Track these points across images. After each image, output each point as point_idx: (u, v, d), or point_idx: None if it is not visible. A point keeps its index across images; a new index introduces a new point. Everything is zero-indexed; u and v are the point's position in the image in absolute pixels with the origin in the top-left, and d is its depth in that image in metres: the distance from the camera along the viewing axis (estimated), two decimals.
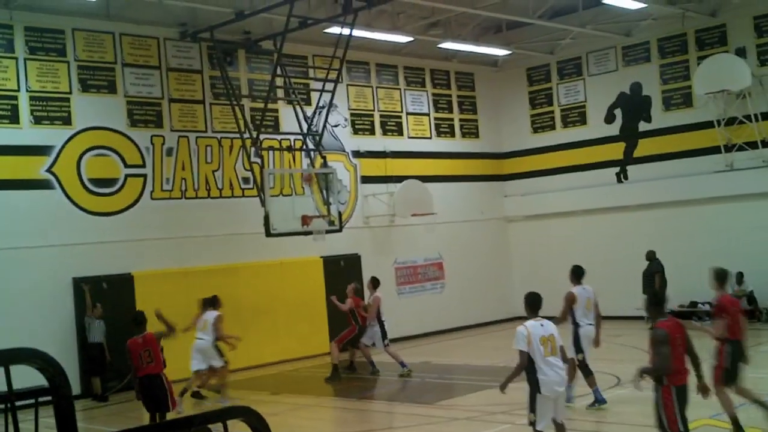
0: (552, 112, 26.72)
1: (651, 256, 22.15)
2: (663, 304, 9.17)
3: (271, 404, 15.62)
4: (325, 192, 20.31)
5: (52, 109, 18.20)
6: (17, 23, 17.82)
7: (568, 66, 26.26)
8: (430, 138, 25.79)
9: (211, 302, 16.60)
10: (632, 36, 24.59)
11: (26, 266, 17.44)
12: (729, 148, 22.54)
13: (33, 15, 18.04)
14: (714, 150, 22.76)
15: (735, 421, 10.72)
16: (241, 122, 19.72)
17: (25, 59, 17.89)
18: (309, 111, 21.28)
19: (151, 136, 19.61)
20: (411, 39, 23.16)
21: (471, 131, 27.11)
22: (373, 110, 24.37)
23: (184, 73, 20.37)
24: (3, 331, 15.83)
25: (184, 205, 19.95)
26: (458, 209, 25.88)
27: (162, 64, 19.98)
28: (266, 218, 18.45)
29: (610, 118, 25.34)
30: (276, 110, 21.75)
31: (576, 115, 26.19)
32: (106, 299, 17.85)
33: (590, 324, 13.22)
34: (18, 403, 4.02)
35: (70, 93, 18.49)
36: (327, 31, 20.92)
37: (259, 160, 19.96)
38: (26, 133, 17.83)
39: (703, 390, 9.13)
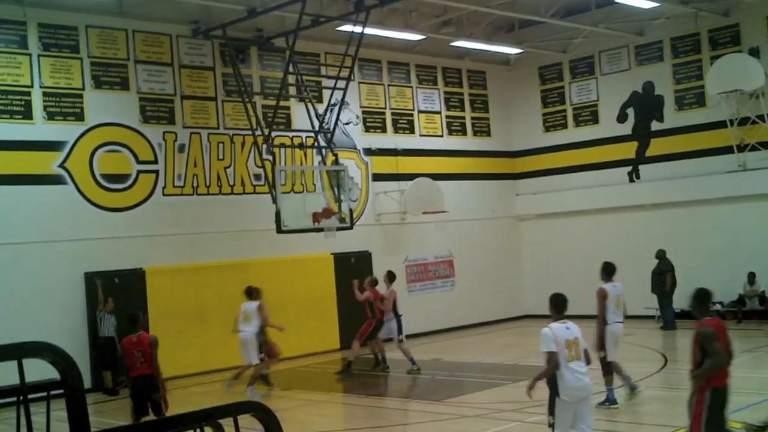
0: (564, 110, 26.68)
1: (661, 254, 22.11)
2: (709, 302, 8.81)
3: (281, 400, 15.69)
4: (336, 189, 20.35)
5: (65, 105, 18.29)
6: (31, 20, 17.91)
7: (580, 65, 26.21)
8: (442, 136, 25.80)
9: (248, 293, 16.77)
10: (645, 35, 24.52)
11: (38, 261, 17.55)
12: (742, 148, 22.47)
13: (46, 12, 18.13)
14: (727, 150, 22.68)
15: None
16: (253, 119, 19.76)
17: (38, 55, 17.99)
18: (321, 108, 21.33)
19: (164, 133, 19.69)
20: (423, 37, 23.17)
21: (483, 129, 27.10)
22: (385, 108, 24.39)
23: (197, 70, 20.44)
24: (15, 325, 15.95)
25: (195, 201, 20.03)
26: (469, 207, 25.87)
27: (174, 61, 20.05)
28: (277, 215, 18.50)
29: (622, 118, 25.29)
30: (288, 107, 21.80)
31: (588, 114, 26.14)
32: (117, 294, 17.94)
33: (619, 322, 13.21)
34: (30, 396, 4.06)
35: (83, 89, 18.58)
36: (339, 28, 20.95)
37: (270, 157, 20.01)
38: (39, 128, 17.92)
39: None
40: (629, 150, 25.06)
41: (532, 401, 13.45)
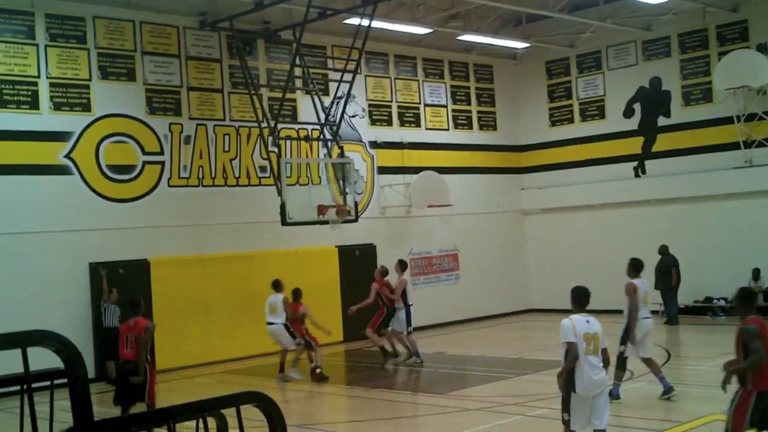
0: (571, 105, 26.65)
1: (664, 250, 22.09)
2: (754, 301, 8.48)
3: (283, 391, 15.73)
4: (341, 182, 20.37)
5: (71, 96, 18.32)
6: (38, 10, 17.93)
7: (587, 60, 26.17)
8: (448, 130, 25.78)
9: (274, 286, 16.99)
10: (652, 30, 24.47)
11: (43, 251, 17.59)
12: (748, 144, 22.43)
13: (54, 2, 18.15)
14: (733, 146, 22.65)
15: None
16: (259, 111, 19.77)
17: (45, 46, 18.01)
18: (327, 101, 21.32)
19: (170, 124, 19.72)
20: (430, 31, 23.15)
21: (489, 123, 27.08)
22: (391, 101, 24.38)
23: (203, 61, 20.45)
24: (20, 314, 16.03)
25: (201, 192, 20.06)
26: (474, 201, 25.87)
27: (181, 52, 20.06)
28: (282, 207, 18.52)
29: (629, 113, 25.25)
30: (294, 100, 21.80)
31: (595, 109, 26.11)
32: (122, 285, 17.97)
33: (647, 317, 13.17)
34: (34, 385, 4.08)
35: (90, 80, 18.60)
36: (346, 21, 20.94)
37: (276, 150, 20.01)
38: (46, 119, 17.95)
39: None
40: (635, 145, 25.03)
41: (535, 395, 13.55)
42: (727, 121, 22.71)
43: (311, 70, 21.35)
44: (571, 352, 8.57)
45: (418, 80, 25.11)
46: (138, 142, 19.19)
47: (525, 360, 18.00)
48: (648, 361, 13.16)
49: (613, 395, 12.84)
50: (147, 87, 19.44)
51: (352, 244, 22.27)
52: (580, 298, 9.03)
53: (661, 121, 24.60)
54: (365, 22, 19.50)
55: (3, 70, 17.45)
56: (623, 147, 25.21)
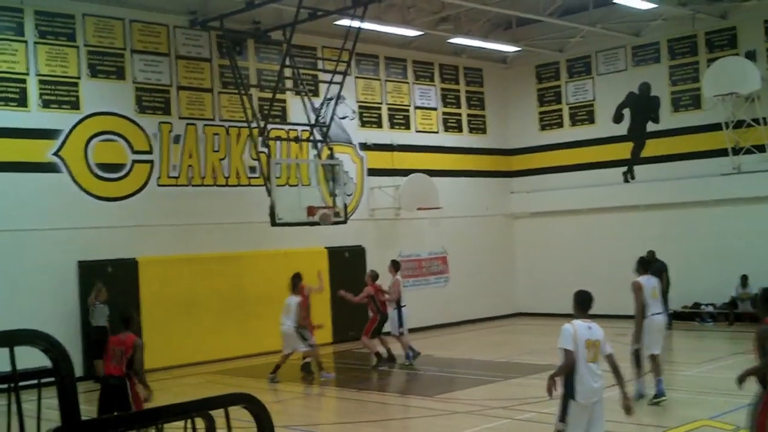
0: (560, 110, 26.69)
1: (651, 256, 22.09)
2: None
3: (272, 392, 15.69)
4: (331, 183, 20.36)
5: (60, 94, 18.25)
6: (27, 7, 17.85)
7: (577, 64, 26.23)
8: (438, 132, 25.79)
9: (292, 285, 17.07)
10: (642, 36, 24.54)
11: (31, 249, 17.51)
12: (737, 151, 22.51)
13: None
14: (722, 152, 22.72)
15: None
16: (249, 112, 19.74)
17: (34, 43, 17.93)
18: (317, 102, 21.29)
19: (159, 123, 19.66)
20: (421, 33, 23.16)
21: (479, 127, 27.11)
22: (381, 103, 24.37)
23: (193, 61, 20.40)
24: (8, 313, 15.92)
25: (190, 192, 20.00)
26: (464, 204, 25.89)
27: (171, 51, 20.01)
28: (272, 208, 18.51)
29: (618, 118, 25.31)
30: (284, 101, 21.77)
31: (584, 114, 26.17)
32: (110, 283, 17.91)
33: (658, 313, 13.17)
34: (21, 384, 4.05)
35: (79, 78, 18.53)
36: (337, 23, 20.92)
37: (266, 150, 19.97)
38: (34, 116, 17.87)
39: None
40: (624, 150, 25.09)
41: (522, 399, 13.55)
42: (716, 127, 22.78)
43: (301, 71, 21.32)
44: (567, 360, 8.25)
45: (408, 83, 25.11)
46: (127, 141, 19.13)
47: (513, 363, 18.00)
48: (654, 359, 13.07)
49: (638, 394, 12.75)
50: (136, 85, 19.38)
51: (341, 245, 22.24)
52: (583, 303, 8.71)
53: (650, 126, 24.66)
54: (356, 24, 19.48)
55: None
56: (612, 152, 25.27)
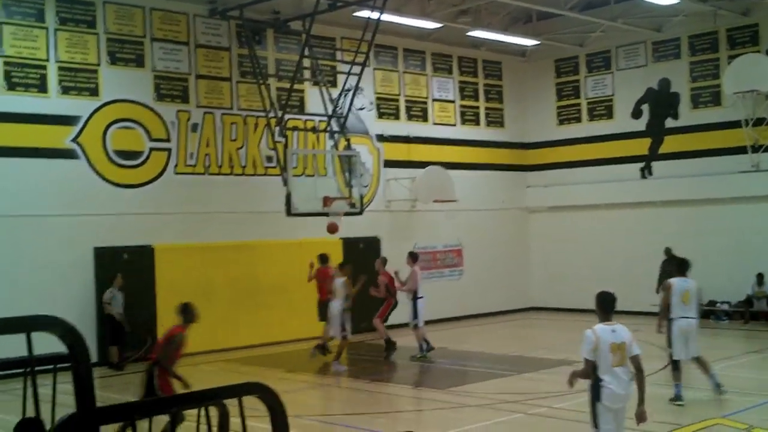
0: (579, 104, 26.60)
1: (668, 252, 22.00)
2: None
3: (285, 382, 15.72)
4: (347, 174, 20.36)
5: (80, 80, 18.32)
6: None
7: (596, 59, 26.12)
8: (455, 125, 25.75)
9: (340, 266, 17.56)
10: (663, 32, 24.39)
11: (49, 234, 17.61)
12: (756, 149, 22.36)
13: None
14: (740, 150, 22.58)
15: None
16: (267, 101, 19.76)
17: (55, 29, 18.00)
18: (335, 93, 21.28)
19: (177, 111, 19.71)
20: (440, 25, 23.10)
21: (496, 120, 27.05)
22: (399, 95, 24.35)
23: (212, 50, 20.44)
24: (25, 298, 16.05)
25: (207, 180, 20.06)
26: (480, 197, 25.85)
27: (190, 40, 20.04)
28: (288, 198, 18.54)
29: (637, 114, 25.19)
30: (302, 91, 21.79)
31: (603, 109, 26.06)
32: (126, 270, 18.01)
33: (685, 317, 12.94)
34: (38, 368, 4.08)
35: (99, 65, 18.60)
36: (356, 14, 20.89)
37: (283, 140, 19.99)
38: (54, 102, 17.96)
39: None
40: (643, 146, 24.97)
41: (535, 394, 13.53)
42: (735, 125, 22.63)
43: (320, 62, 21.32)
44: (586, 368, 8.10)
45: (426, 75, 25.07)
46: (145, 129, 19.20)
47: (526, 358, 17.99)
48: (675, 365, 12.95)
49: (675, 397, 12.67)
50: (155, 73, 19.44)
51: (356, 236, 22.25)
52: (605, 304, 8.40)
53: (669, 123, 24.53)
54: (375, 15, 19.45)
55: (12, 52, 17.45)
56: (630, 148, 25.14)
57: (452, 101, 25.74)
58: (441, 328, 22.92)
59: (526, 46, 26.36)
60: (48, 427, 4.32)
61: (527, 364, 16.96)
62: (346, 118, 20.92)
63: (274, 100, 20.25)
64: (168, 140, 19.52)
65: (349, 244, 22.15)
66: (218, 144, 20.31)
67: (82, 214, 18.08)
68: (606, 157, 25.62)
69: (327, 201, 19.11)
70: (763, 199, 22.28)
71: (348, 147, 20.67)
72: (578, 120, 26.61)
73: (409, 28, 23.14)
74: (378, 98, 23.78)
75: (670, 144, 24.41)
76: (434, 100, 25.25)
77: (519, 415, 12.53)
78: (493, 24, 24.03)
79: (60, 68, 18.02)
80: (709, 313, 22.82)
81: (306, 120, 21.70)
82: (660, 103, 24.69)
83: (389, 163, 23.81)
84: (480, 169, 26.11)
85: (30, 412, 4.31)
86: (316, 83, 21.41)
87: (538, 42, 25.36)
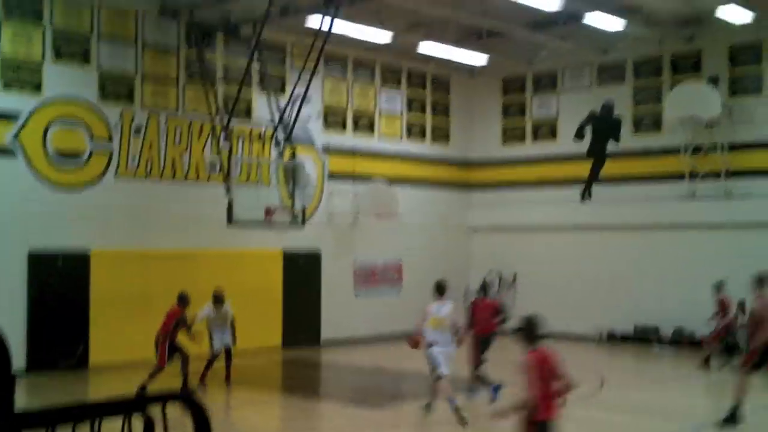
0: (523, 124, 26.85)
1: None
2: None
3: (220, 396, 15.59)
4: (291, 185, 20.26)
5: (23, 75, 17.98)
6: None
7: (543, 79, 26.40)
8: (401, 139, 25.82)
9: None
10: (609, 55, 24.73)
11: None
12: (693, 176, 22.72)
13: None
14: (679, 177, 22.94)
15: None
16: (213, 106, 19.60)
17: (0, 21, 17.65)
18: (282, 101, 21.18)
19: (121, 111, 19.40)
20: (391, 38, 23.13)
21: (442, 136, 27.18)
22: (347, 106, 24.35)
23: (160, 50, 20.22)
24: None
25: (148, 185, 19.76)
26: (422, 214, 25.90)
27: (138, 39, 19.80)
28: (229, 206, 18.38)
29: (579, 135, 25.47)
30: (249, 97, 21.66)
31: (547, 130, 26.33)
32: (59, 276, 17.71)
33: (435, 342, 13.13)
34: None
35: (43, 60, 18.28)
36: (308, 22, 20.83)
37: (227, 147, 19.82)
38: None
39: None
40: (584, 169, 25.22)
41: (471, 413, 13.52)
42: (675, 151, 23.00)
43: (269, 68, 21.22)
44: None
45: (375, 87, 25.12)
46: (87, 128, 18.86)
47: (462, 378, 18.00)
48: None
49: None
50: (101, 72, 19.15)
51: (297, 248, 22.14)
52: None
53: (611, 146, 24.82)
54: (327, 24, 19.41)
55: None
56: (573, 170, 25.37)
57: (399, 115, 25.81)
58: (379, 345, 22.89)
59: (475, 63, 26.51)
60: None
61: (463, 384, 16.96)
62: (292, 127, 20.83)
63: (221, 106, 20.10)
64: (110, 141, 19.21)
65: (289, 256, 22.04)
66: (162, 148, 20.06)
67: (17, 214, 17.66)
68: (548, 178, 25.85)
69: (269, 212, 19.00)
70: (698, 227, 22.60)
71: (293, 157, 20.58)
72: (522, 140, 26.83)
73: (360, 39, 23.14)
74: (326, 108, 23.74)
75: (610, 168, 24.70)
76: (381, 113, 25.29)
77: None
78: (444, 39, 24.12)
79: (3, 62, 17.65)
80: (645, 338, 22.95)
81: (252, 127, 21.57)
82: (603, 126, 25.00)
83: (333, 176, 23.73)
84: (424, 184, 26.19)
85: None
86: (263, 90, 21.30)
87: (487, 59, 25.53)
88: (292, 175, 20.36)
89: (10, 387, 3.69)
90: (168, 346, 15.40)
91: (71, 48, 18.71)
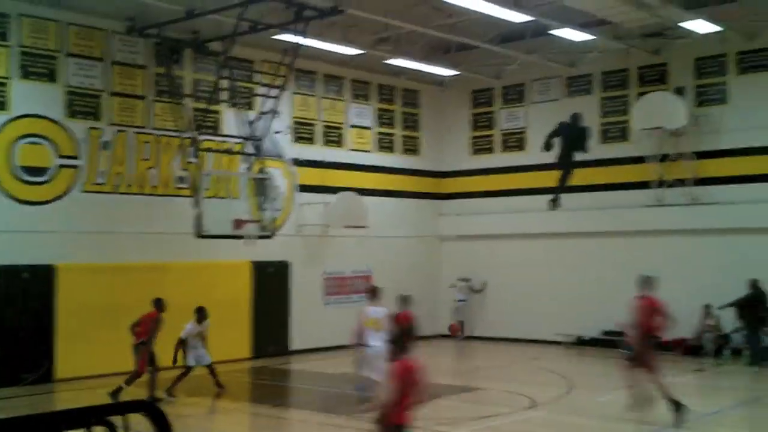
0: (492, 135, 27.05)
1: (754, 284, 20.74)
2: None
3: (187, 406, 15.54)
4: (260, 197, 20.29)
5: None
6: None
7: (511, 92, 26.62)
8: (371, 152, 25.91)
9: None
10: (576, 67, 25.00)
11: None
12: (660, 184, 23.04)
13: None
14: (646, 185, 23.26)
15: None
16: (182, 121, 19.60)
17: None
18: (251, 116, 21.21)
19: (89, 128, 19.39)
20: (360, 52, 23.25)
21: (412, 148, 27.31)
22: (316, 120, 24.41)
23: (128, 67, 20.21)
24: None
25: (116, 200, 19.72)
26: (392, 224, 26.01)
27: (106, 56, 19.79)
28: (198, 219, 18.39)
29: (548, 146, 25.72)
30: (218, 112, 21.67)
31: (515, 141, 26.54)
32: (24, 289, 17.60)
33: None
34: None
35: (9, 78, 18.22)
36: (276, 37, 20.90)
37: (196, 161, 19.82)
38: None
39: None
40: (553, 178, 25.48)
41: (436, 419, 13.62)
42: (642, 160, 23.33)
43: (238, 84, 21.25)
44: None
45: (344, 101, 25.21)
46: (54, 145, 18.81)
47: (430, 385, 18.04)
48: None
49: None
50: (68, 89, 19.12)
51: (267, 260, 22.14)
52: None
53: (579, 156, 25.10)
54: (296, 39, 19.49)
55: None
56: (541, 179, 25.64)
57: (369, 128, 25.91)
58: (348, 353, 22.88)
59: (444, 76, 26.71)
60: None
61: (431, 391, 17.01)
62: (261, 141, 20.86)
63: (190, 121, 20.10)
64: (77, 158, 19.17)
65: (258, 267, 22.05)
66: (130, 163, 20.03)
67: None
68: (518, 188, 26.08)
69: (238, 224, 19.02)
70: (666, 233, 22.92)
71: (262, 170, 20.61)
72: (491, 151, 27.03)
73: (329, 53, 23.24)
74: (295, 122, 23.79)
75: (579, 177, 24.96)
76: (351, 126, 25.38)
77: None
78: (413, 53, 24.30)
79: None
80: (608, 342, 23.14)
81: (221, 141, 21.57)
82: (571, 136, 25.26)
83: (303, 188, 23.77)
84: (394, 196, 26.30)
85: None
86: (233, 105, 21.32)
87: (456, 72, 25.72)
88: (261, 187, 20.38)
89: None
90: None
91: (38, 66, 18.66)
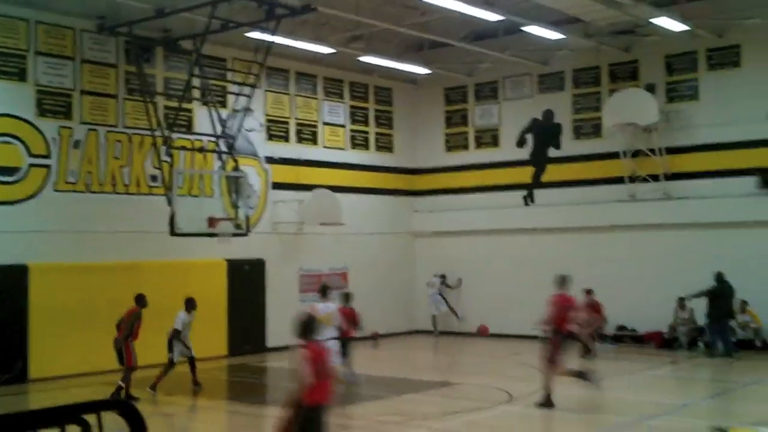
0: (466, 132, 27.13)
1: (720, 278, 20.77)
2: None
3: (164, 405, 15.50)
4: (234, 195, 20.25)
5: None
6: None
7: (484, 89, 26.72)
8: (345, 149, 25.92)
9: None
10: (548, 65, 25.15)
11: None
12: (633, 179, 23.22)
13: None
14: (619, 180, 23.44)
15: None
16: (154, 120, 19.50)
17: None
18: (224, 113, 21.14)
19: (59, 127, 19.24)
20: (333, 50, 23.23)
21: (386, 145, 27.34)
22: (290, 118, 24.38)
23: (99, 66, 20.07)
24: None
25: (88, 199, 19.59)
26: (367, 221, 26.03)
27: (77, 55, 19.65)
28: (172, 217, 18.32)
29: (521, 142, 25.85)
30: (190, 110, 21.58)
31: (489, 138, 26.65)
32: None
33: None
34: None
35: None
36: (248, 35, 20.83)
37: (169, 159, 19.71)
38: None
39: None
40: (526, 174, 25.64)
41: (413, 415, 13.67)
42: (615, 155, 23.49)
43: (210, 82, 21.18)
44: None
45: (317, 98, 25.19)
46: (24, 144, 18.66)
47: (407, 380, 18.14)
48: None
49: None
50: (38, 88, 18.96)
51: (242, 258, 22.11)
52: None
53: (552, 152, 25.25)
54: (268, 37, 19.45)
55: None
56: (515, 175, 25.78)
57: (343, 125, 25.91)
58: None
59: (417, 73, 26.75)
60: None
61: (408, 387, 17.11)
62: (235, 139, 20.80)
63: (162, 119, 20.00)
64: (48, 157, 19.03)
65: (233, 265, 22.01)
66: (101, 162, 19.90)
67: None
68: (491, 184, 26.18)
69: (212, 222, 18.98)
70: (638, 228, 23.12)
71: (236, 168, 20.55)
72: (465, 147, 27.12)
73: (302, 51, 23.20)
74: (268, 120, 23.75)
75: (552, 173, 25.13)
76: (325, 123, 25.37)
77: None
78: (385, 51, 24.32)
79: None
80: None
81: (194, 140, 21.49)
82: (543, 133, 25.42)
83: (277, 186, 23.75)
84: (368, 193, 26.33)
85: None
86: (205, 103, 21.22)
87: (429, 70, 25.77)
88: (235, 185, 20.33)
89: None
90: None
91: (8, 65, 18.50)
